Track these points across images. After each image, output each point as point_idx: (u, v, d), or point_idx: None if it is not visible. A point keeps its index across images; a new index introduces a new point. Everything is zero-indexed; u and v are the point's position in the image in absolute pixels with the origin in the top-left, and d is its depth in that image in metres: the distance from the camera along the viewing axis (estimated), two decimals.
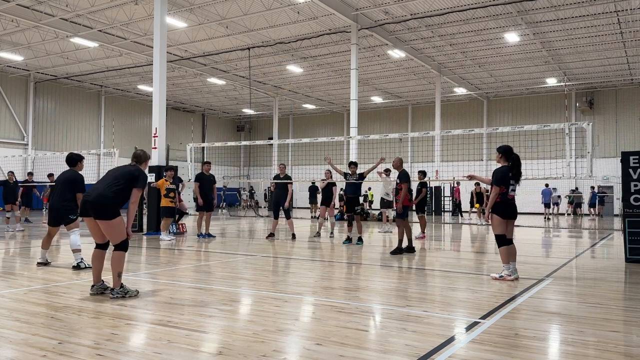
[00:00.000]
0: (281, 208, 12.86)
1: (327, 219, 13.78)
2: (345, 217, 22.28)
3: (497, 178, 6.93)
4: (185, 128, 40.93)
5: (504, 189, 6.90)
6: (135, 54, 25.97)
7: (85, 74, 30.19)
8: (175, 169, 13.55)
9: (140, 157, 6.07)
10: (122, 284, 5.53)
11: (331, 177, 13.46)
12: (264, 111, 41.78)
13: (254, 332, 4.20)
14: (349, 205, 12.24)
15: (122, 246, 5.60)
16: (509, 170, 6.96)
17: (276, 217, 13.25)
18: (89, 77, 31.18)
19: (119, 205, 5.64)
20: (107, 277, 5.83)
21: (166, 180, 12.98)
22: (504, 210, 6.92)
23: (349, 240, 11.83)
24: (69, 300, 5.35)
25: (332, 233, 13.64)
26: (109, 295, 5.52)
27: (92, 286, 5.71)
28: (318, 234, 13.73)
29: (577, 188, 30.22)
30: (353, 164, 12.39)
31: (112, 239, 5.60)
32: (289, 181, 12.82)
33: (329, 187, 13.46)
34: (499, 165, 7.14)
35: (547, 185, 28.13)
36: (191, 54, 26.41)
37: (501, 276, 6.84)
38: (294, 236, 12.94)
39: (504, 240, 6.94)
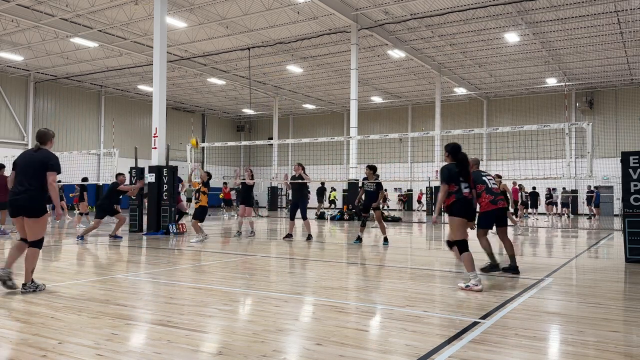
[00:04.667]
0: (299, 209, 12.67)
1: (246, 218, 13.67)
2: (346, 217, 22.17)
3: (445, 175, 6.30)
4: (185, 128, 40.90)
5: (454, 187, 6.25)
6: (135, 54, 25.97)
7: (85, 74, 30.19)
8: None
9: (47, 136, 5.93)
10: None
11: (251, 177, 13.40)
12: (264, 111, 41.77)
13: (254, 332, 4.20)
14: (365, 208, 12.02)
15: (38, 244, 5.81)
16: (456, 168, 6.36)
17: (292, 218, 12.95)
18: (89, 77, 31.18)
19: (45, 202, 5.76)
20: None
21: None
22: (464, 209, 6.23)
23: (359, 240, 11.84)
24: (69, 301, 5.35)
25: (252, 232, 13.53)
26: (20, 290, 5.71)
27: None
28: (239, 233, 13.54)
29: (585, 188, 29.96)
30: (370, 168, 11.98)
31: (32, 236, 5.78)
32: (300, 181, 12.68)
33: (247, 187, 13.40)
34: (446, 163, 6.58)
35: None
36: (191, 54, 26.41)
37: (467, 286, 6.01)
38: (309, 237, 12.64)
39: (466, 246, 6.19)
